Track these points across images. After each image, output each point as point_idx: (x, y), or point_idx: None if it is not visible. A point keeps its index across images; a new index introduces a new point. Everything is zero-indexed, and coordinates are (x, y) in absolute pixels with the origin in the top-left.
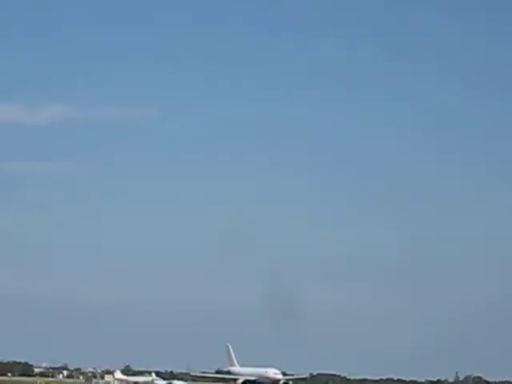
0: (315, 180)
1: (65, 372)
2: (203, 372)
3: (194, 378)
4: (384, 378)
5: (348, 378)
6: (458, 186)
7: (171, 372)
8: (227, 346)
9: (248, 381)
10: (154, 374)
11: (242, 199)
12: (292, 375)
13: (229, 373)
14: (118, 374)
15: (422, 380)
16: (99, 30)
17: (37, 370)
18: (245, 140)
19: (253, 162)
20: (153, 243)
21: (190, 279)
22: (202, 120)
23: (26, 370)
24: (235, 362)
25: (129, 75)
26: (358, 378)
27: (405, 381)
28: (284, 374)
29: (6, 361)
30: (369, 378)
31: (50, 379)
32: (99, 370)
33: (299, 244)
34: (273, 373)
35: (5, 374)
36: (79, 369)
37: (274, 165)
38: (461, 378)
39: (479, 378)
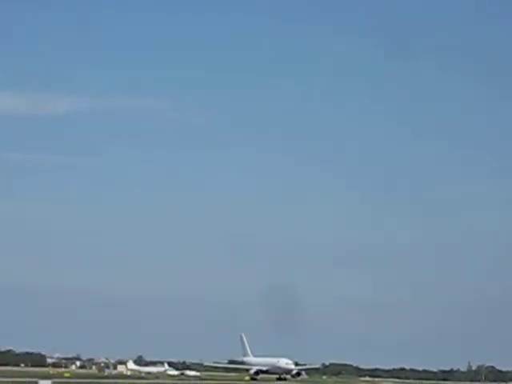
0: (319, 172)
1: (78, 362)
2: (216, 362)
3: (207, 368)
4: (396, 367)
5: (360, 367)
6: (464, 177)
7: (184, 362)
8: (241, 336)
9: (261, 371)
10: (166, 365)
11: (246, 194)
12: (304, 365)
13: (242, 363)
14: (131, 365)
15: (435, 370)
16: (114, 17)
17: (49, 361)
18: (256, 132)
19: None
20: (163, 235)
21: (202, 272)
22: (214, 112)
23: (38, 360)
24: (249, 352)
25: (141, 66)
26: (370, 367)
27: (417, 370)
28: (296, 364)
29: (18, 351)
30: (381, 367)
31: (63, 369)
32: (112, 361)
33: (308, 234)
34: (285, 363)
35: (18, 365)
36: (92, 359)
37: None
38: (473, 368)
39: (492, 367)
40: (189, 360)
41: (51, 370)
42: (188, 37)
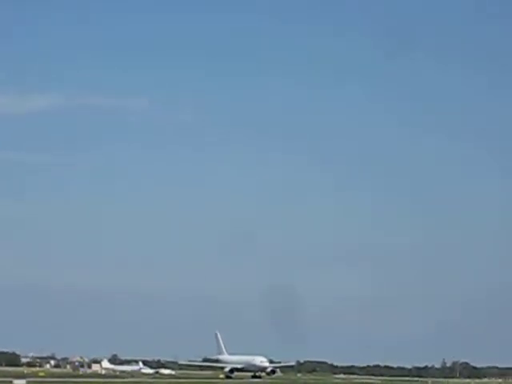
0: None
1: (52, 361)
2: (191, 360)
3: (182, 367)
4: (371, 364)
5: (335, 365)
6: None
7: (158, 361)
8: (216, 334)
9: (236, 368)
10: (141, 363)
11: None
12: (279, 363)
13: (217, 361)
14: (106, 363)
15: (409, 367)
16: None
17: (24, 360)
18: (241, 130)
19: (248, 152)
20: (142, 231)
21: (177, 267)
22: (192, 110)
23: (12, 359)
24: (224, 350)
25: (119, 65)
26: (345, 365)
27: (392, 367)
28: (271, 361)
29: None
30: (356, 365)
31: (38, 369)
32: (86, 359)
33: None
34: (259, 361)
35: None
36: (66, 358)
37: (270, 155)
38: (448, 364)
39: (466, 363)
40: (163, 358)
41: (25, 370)
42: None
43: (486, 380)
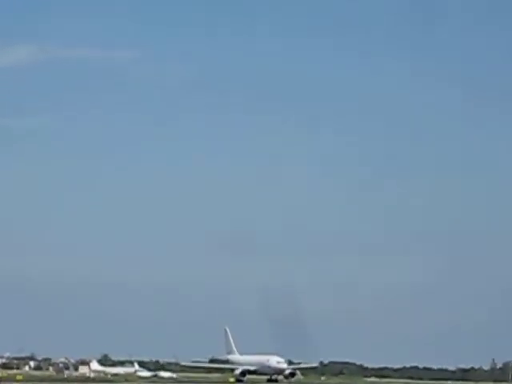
0: (327, 137)
1: (32, 363)
2: (195, 361)
3: (184, 369)
4: (407, 366)
5: (365, 366)
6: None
7: (157, 362)
8: (225, 330)
9: (248, 371)
10: (136, 365)
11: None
12: (299, 364)
13: (226, 362)
14: (95, 365)
15: (453, 368)
16: None
17: None
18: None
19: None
20: (135, 214)
21: (179, 257)
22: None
23: None
24: (234, 348)
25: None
26: (376, 366)
27: (432, 369)
28: (290, 362)
29: None
30: (389, 366)
31: (15, 371)
32: (72, 360)
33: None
34: (276, 361)
35: None
36: (49, 359)
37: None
38: (498, 366)
39: None
40: (163, 359)
41: (1, 372)
42: None
43: None
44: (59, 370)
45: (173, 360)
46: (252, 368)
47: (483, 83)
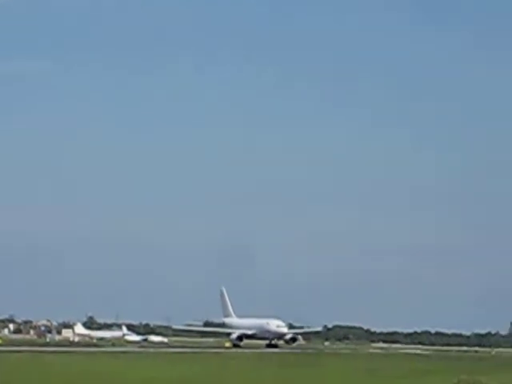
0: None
1: (11, 326)
2: (188, 325)
3: (176, 333)
4: (419, 331)
5: (373, 330)
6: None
7: (147, 325)
8: (221, 291)
9: (245, 335)
10: (124, 328)
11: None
12: (301, 328)
13: (222, 325)
14: (80, 328)
15: (468, 333)
16: None
17: None
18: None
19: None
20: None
21: (169, 206)
22: None
23: None
24: (231, 311)
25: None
26: (385, 330)
27: (446, 334)
28: (291, 326)
29: None
30: (399, 330)
31: None
32: (55, 323)
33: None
34: (275, 325)
35: None
36: (30, 322)
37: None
38: None
39: None
40: (153, 322)
41: None
42: None
43: None
44: (41, 334)
45: (164, 323)
46: (250, 332)
47: None
